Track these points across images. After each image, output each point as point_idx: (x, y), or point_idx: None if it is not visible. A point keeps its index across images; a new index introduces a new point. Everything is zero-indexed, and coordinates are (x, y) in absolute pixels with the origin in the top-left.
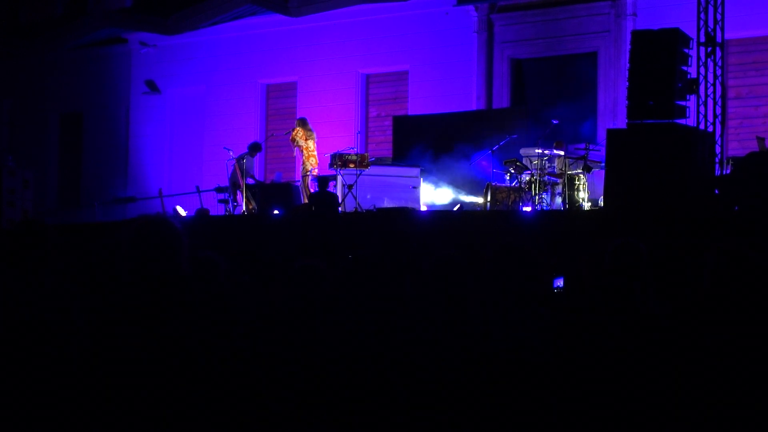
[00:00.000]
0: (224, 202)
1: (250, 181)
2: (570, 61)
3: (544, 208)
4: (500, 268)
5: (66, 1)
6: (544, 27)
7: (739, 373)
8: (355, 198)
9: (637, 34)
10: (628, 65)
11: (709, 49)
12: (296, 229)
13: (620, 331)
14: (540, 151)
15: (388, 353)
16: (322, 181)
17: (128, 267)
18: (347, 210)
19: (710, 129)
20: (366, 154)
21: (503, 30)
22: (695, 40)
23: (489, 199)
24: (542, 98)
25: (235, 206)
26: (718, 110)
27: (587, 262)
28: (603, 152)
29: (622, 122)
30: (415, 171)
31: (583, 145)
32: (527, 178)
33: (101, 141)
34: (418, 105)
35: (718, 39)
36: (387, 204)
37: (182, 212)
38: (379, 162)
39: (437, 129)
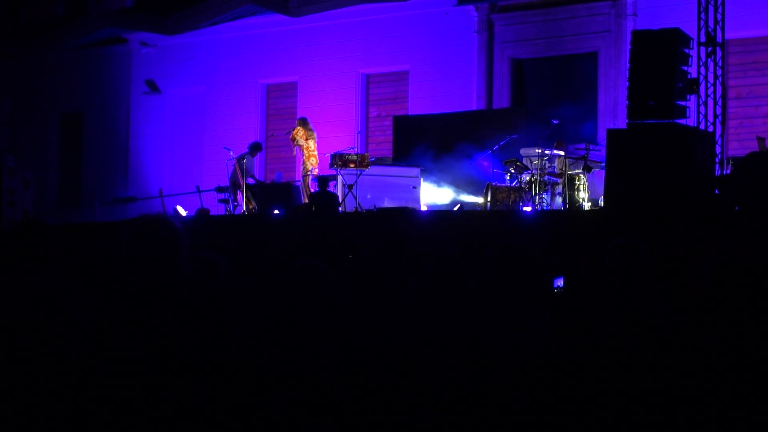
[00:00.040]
0: (224, 202)
1: (251, 180)
2: (570, 61)
3: (545, 208)
4: (500, 268)
5: (66, 1)
6: (544, 27)
7: (739, 373)
8: (356, 198)
9: (637, 34)
10: (628, 65)
11: (710, 49)
12: (296, 229)
13: (620, 331)
14: (540, 151)
15: (388, 353)
16: (323, 180)
17: (128, 267)
18: (347, 210)
19: (710, 129)
20: (366, 154)
21: (503, 30)
22: (695, 40)
23: (489, 199)
24: (542, 98)
25: (236, 206)
26: (719, 110)
27: (587, 262)
28: (603, 152)
29: (622, 122)
30: (416, 171)
31: (583, 145)
32: (527, 178)
33: (101, 141)
34: (419, 105)
35: (719, 39)
36: (387, 204)
37: (182, 212)
38: (379, 162)
39: (437, 129)
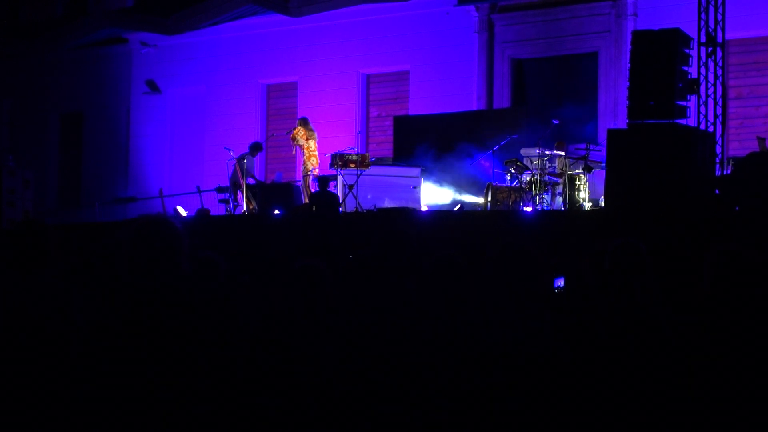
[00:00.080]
0: (225, 202)
1: (251, 181)
2: (571, 61)
3: (545, 208)
4: (501, 268)
5: (66, 1)
6: (544, 27)
7: (739, 373)
8: (356, 198)
9: (637, 35)
10: (628, 65)
11: (710, 49)
12: (296, 229)
13: (620, 331)
14: (540, 151)
15: (389, 353)
16: (323, 180)
17: (128, 267)
18: (348, 210)
19: (711, 129)
20: (366, 154)
21: (504, 30)
22: (696, 40)
23: (489, 199)
24: (543, 98)
25: (236, 206)
26: (719, 110)
27: (588, 262)
28: (603, 152)
29: (622, 122)
30: (416, 171)
31: (583, 145)
32: (528, 178)
33: (102, 141)
34: (419, 105)
35: (719, 39)
36: (387, 204)
37: (183, 212)
38: (379, 162)
39: (438, 129)
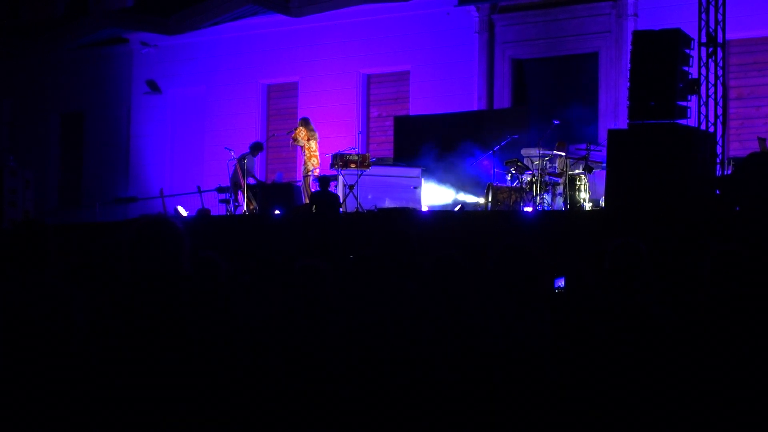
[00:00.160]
0: (225, 202)
1: (251, 181)
2: (571, 61)
3: (545, 208)
4: (501, 268)
5: (67, 1)
6: (545, 27)
7: (739, 372)
8: (356, 198)
9: (638, 35)
10: (629, 66)
11: (711, 49)
12: (297, 230)
13: (621, 331)
14: (541, 151)
15: (389, 353)
16: (324, 180)
17: (129, 267)
18: (348, 210)
19: (711, 129)
20: (367, 154)
21: (504, 30)
22: (696, 40)
23: (490, 199)
24: (543, 98)
25: (237, 206)
26: (719, 111)
27: (588, 262)
28: (604, 152)
29: (623, 122)
30: (416, 171)
31: (584, 146)
32: (528, 179)
33: (102, 141)
34: (420, 105)
35: (720, 39)
36: (388, 204)
37: (183, 212)
38: (380, 162)
39: (438, 129)
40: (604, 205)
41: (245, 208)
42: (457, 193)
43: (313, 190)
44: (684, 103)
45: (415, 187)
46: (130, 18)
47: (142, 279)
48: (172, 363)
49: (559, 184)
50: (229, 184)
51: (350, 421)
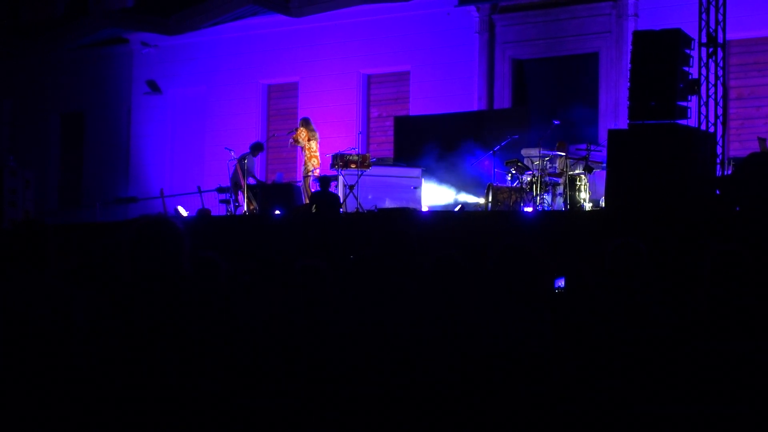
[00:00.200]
0: (225, 202)
1: (252, 181)
2: (571, 61)
3: (545, 208)
4: (501, 269)
5: (67, 1)
6: (545, 27)
7: (739, 372)
8: (357, 198)
9: (638, 35)
10: (629, 66)
11: (711, 49)
12: (297, 230)
13: (621, 331)
14: (541, 151)
15: (389, 352)
16: (324, 180)
17: (129, 267)
18: (349, 210)
19: (711, 130)
20: (367, 154)
21: (505, 30)
22: (697, 40)
23: (490, 199)
24: (544, 99)
25: (237, 206)
26: (720, 111)
27: (588, 262)
28: (604, 153)
29: (623, 123)
30: (417, 171)
31: (584, 146)
32: (528, 179)
33: (102, 141)
34: (420, 105)
35: (720, 40)
36: (388, 204)
37: (183, 212)
38: (380, 162)
39: (439, 129)
40: (604, 206)
41: (245, 209)
42: (458, 193)
43: (313, 190)
44: (684, 104)
45: (415, 188)
46: (130, 18)
47: (142, 279)
48: (172, 363)
49: (559, 185)
50: (229, 184)
51: (350, 421)
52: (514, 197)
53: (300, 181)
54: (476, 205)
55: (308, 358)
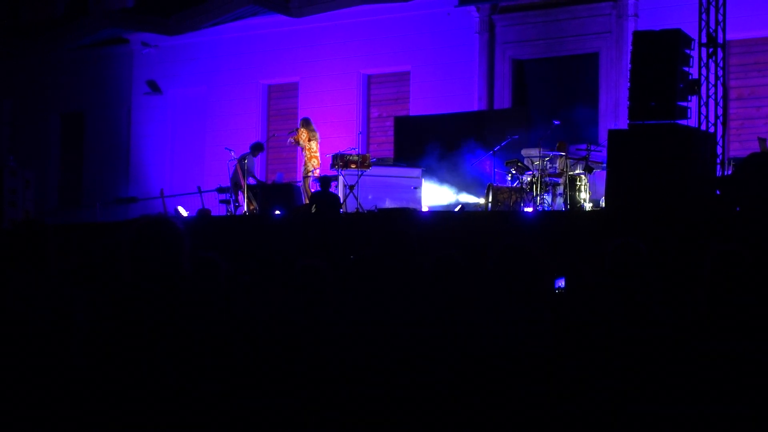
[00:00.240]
0: (226, 202)
1: (252, 181)
2: (571, 61)
3: (546, 208)
4: (501, 269)
5: (67, 1)
6: (545, 28)
7: (739, 372)
8: (357, 198)
9: (638, 35)
10: (629, 66)
11: (711, 50)
12: (297, 230)
13: (621, 331)
14: (541, 151)
15: (389, 352)
16: (325, 181)
17: (130, 267)
18: (349, 210)
19: (712, 130)
20: (367, 154)
21: (505, 31)
22: (697, 40)
23: (490, 199)
24: (544, 99)
25: (237, 206)
26: (720, 111)
27: (588, 262)
28: (604, 153)
29: (623, 123)
30: (417, 171)
31: (584, 146)
32: (528, 179)
33: (102, 141)
34: (420, 105)
35: (720, 40)
36: (388, 204)
37: (184, 212)
38: (380, 162)
39: (439, 130)
40: (604, 206)
41: (245, 209)
42: (458, 193)
43: (312, 190)
44: (684, 104)
45: (415, 188)
46: (130, 18)
47: (142, 279)
48: (173, 363)
49: (559, 185)
50: (229, 184)
51: (350, 421)
52: (514, 197)
53: (300, 182)
54: (476, 205)
55: (308, 358)
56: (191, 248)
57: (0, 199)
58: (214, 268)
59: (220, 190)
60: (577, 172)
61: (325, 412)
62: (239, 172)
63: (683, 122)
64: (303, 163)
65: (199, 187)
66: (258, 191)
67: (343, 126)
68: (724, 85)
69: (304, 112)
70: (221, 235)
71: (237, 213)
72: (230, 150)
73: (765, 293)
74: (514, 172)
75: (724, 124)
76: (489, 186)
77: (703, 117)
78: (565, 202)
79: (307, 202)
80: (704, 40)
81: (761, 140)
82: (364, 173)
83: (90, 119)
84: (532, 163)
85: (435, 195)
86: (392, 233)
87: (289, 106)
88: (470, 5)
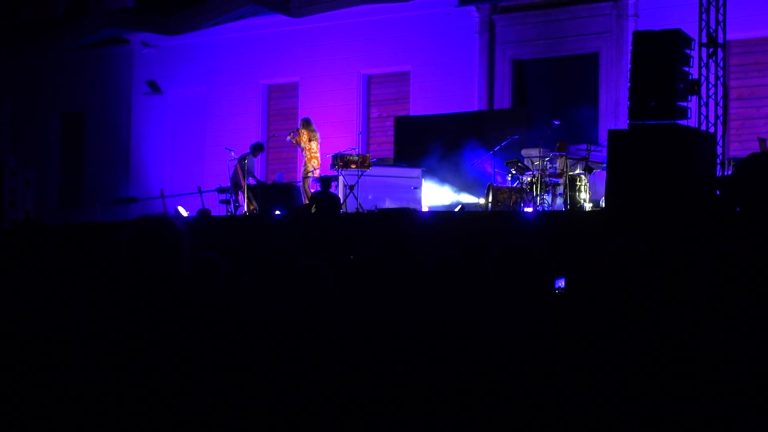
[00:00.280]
0: (226, 202)
1: (252, 181)
2: (571, 61)
3: (546, 208)
4: (501, 269)
5: (67, 1)
6: (545, 28)
7: (739, 372)
8: (357, 198)
9: (638, 35)
10: (629, 66)
11: (711, 50)
12: (297, 230)
13: (621, 331)
14: (541, 151)
15: (389, 352)
16: (326, 181)
17: (130, 267)
18: (349, 210)
19: (712, 130)
20: (367, 154)
21: (505, 31)
22: (697, 40)
23: (490, 199)
24: (544, 99)
25: (237, 207)
26: (720, 111)
27: (588, 262)
28: (604, 153)
29: (623, 123)
30: (417, 172)
31: (584, 146)
32: (528, 179)
33: (103, 141)
34: (420, 106)
35: (720, 40)
36: (388, 204)
37: (184, 213)
38: (380, 163)
39: (439, 130)
40: (604, 206)
41: (245, 209)
42: (458, 193)
43: (312, 191)
44: (684, 104)
45: (415, 188)
46: (130, 18)
47: (142, 279)
48: (173, 363)
49: (559, 185)
50: (229, 184)
51: (350, 421)
52: (514, 197)
53: (300, 182)
54: (476, 205)
55: (308, 358)
56: (191, 248)
57: (0, 199)
58: (214, 268)
59: (220, 190)
60: (577, 172)
61: (325, 412)
62: (239, 172)
63: (683, 122)
64: (303, 164)
65: (199, 187)
66: (258, 191)
67: (343, 126)
68: (724, 85)
69: (304, 112)
70: (221, 235)
71: (237, 213)
72: (230, 150)
73: (765, 293)
74: (514, 172)
75: (724, 124)
76: (489, 186)
77: (703, 117)
78: (565, 203)
79: (307, 202)
80: (704, 40)
81: (761, 140)
82: (364, 173)
83: (90, 119)
84: (532, 163)
85: (435, 195)
86: (392, 233)
87: (289, 106)
88: (470, 5)
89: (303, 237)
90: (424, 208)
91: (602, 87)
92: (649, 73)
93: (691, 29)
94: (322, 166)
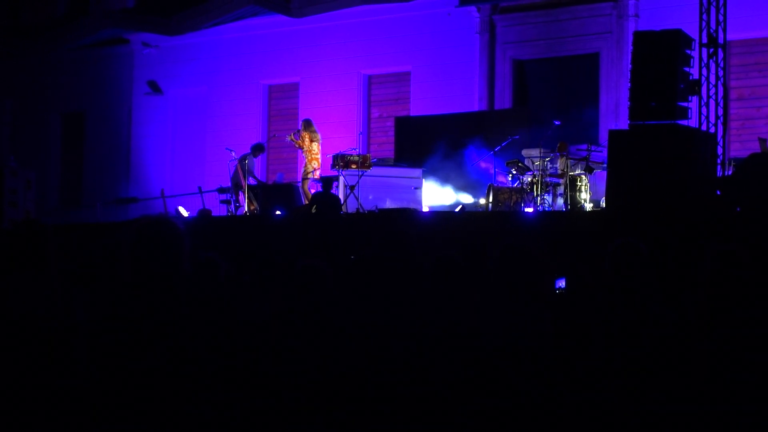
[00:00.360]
0: (226, 202)
1: (252, 181)
2: (572, 62)
3: (546, 208)
4: (502, 269)
5: (67, 1)
6: (546, 28)
7: (739, 372)
8: (357, 199)
9: (639, 35)
10: (630, 66)
11: (711, 50)
12: (298, 230)
13: (621, 331)
14: (542, 151)
15: (389, 353)
16: (327, 181)
17: (130, 267)
18: (349, 211)
19: (712, 130)
20: (368, 155)
21: (505, 31)
22: (697, 41)
23: (491, 200)
24: (544, 99)
25: (237, 207)
26: (720, 111)
27: (588, 262)
28: (605, 153)
29: (624, 123)
30: (417, 172)
31: (585, 146)
32: (529, 179)
33: (103, 141)
34: (420, 106)
35: (720, 40)
36: (389, 205)
37: (184, 213)
38: (381, 163)
39: (439, 130)
40: (604, 206)
41: (246, 209)
42: (458, 193)
43: (311, 191)
44: (685, 104)
45: (415, 188)
46: (131, 18)
47: (142, 279)
48: (173, 363)
49: (559, 185)
50: (230, 184)
51: (350, 421)
52: (514, 198)
53: (300, 182)
54: (477, 205)
55: (308, 358)
56: (191, 248)
57: (0, 199)
58: (214, 268)
59: (221, 190)
60: (578, 172)
61: (325, 412)
62: (240, 172)
63: (684, 122)
64: (303, 165)
65: (199, 188)
66: (258, 191)
67: (343, 126)
68: (724, 85)
69: (304, 113)
70: (222, 235)
71: (237, 213)
72: (231, 150)
73: (765, 293)
74: (514, 172)
75: (725, 124)
76: (489, 186)
77: (703, 117)
78: (565, 203)
79: (307, 203)
80: (705, 40)
81: (762, 140)
82: (365, 173)
83: (90, 119)
84: (533, 163)
85: (435, 195)
86: (392, 233)
87: (290, 106)
88: (471, 5)
89: (303, 237)
90: (425, 209)
91: (603, 87)
92: (649, 74)
93: (692, 29)
94: (322, 166)
